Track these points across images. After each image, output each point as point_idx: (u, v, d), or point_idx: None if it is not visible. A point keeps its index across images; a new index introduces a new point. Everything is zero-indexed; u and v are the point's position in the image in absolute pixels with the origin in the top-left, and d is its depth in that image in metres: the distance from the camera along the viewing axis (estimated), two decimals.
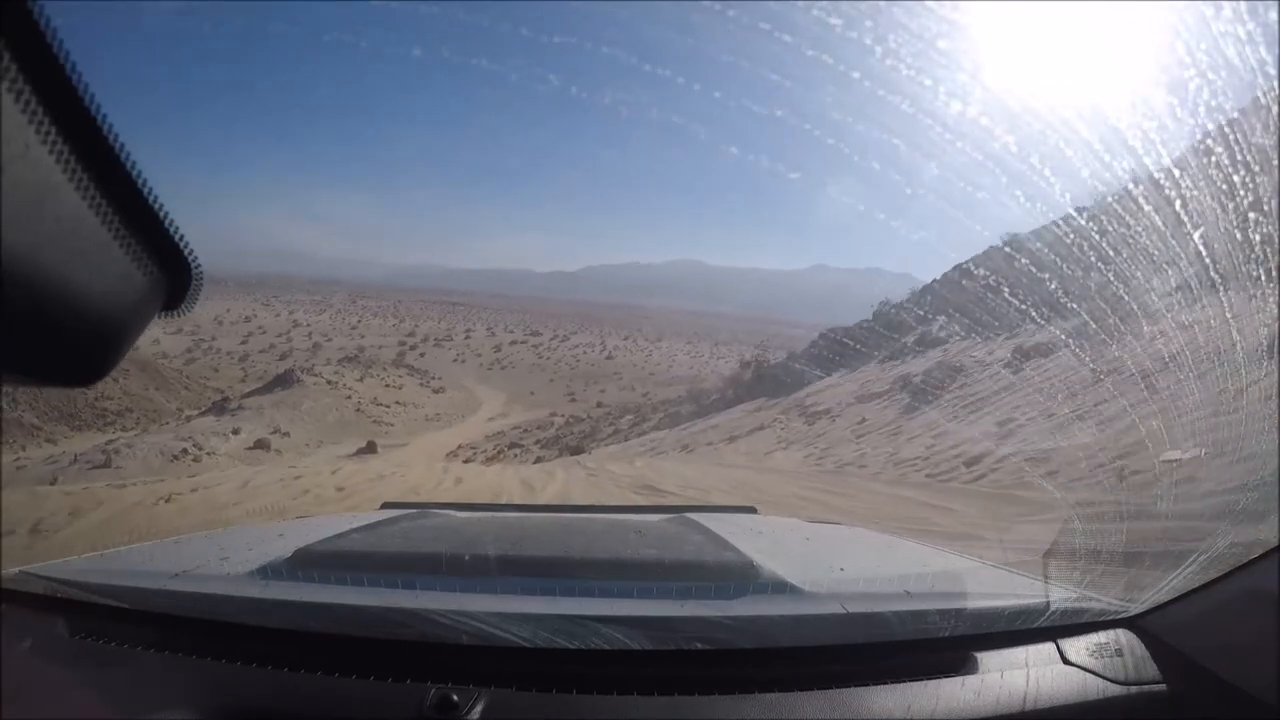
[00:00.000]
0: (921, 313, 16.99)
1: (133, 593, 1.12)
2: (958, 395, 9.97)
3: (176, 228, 0.51)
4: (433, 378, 47.47)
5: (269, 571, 1.19)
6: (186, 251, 0.52)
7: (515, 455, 22.79)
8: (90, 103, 0.43)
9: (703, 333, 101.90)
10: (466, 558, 1.22)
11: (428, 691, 0.85)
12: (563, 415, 35.78)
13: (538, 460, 20.51)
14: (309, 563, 1.21)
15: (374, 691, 0.87)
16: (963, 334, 13.84)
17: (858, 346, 18.37)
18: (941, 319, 15.76)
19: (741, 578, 1.14)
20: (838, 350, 19.45)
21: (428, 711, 0.82)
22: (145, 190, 0.48)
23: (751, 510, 2.24)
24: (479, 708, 0.83)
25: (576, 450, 20.10)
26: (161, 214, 0.49)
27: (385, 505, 2.39)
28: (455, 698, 0.83)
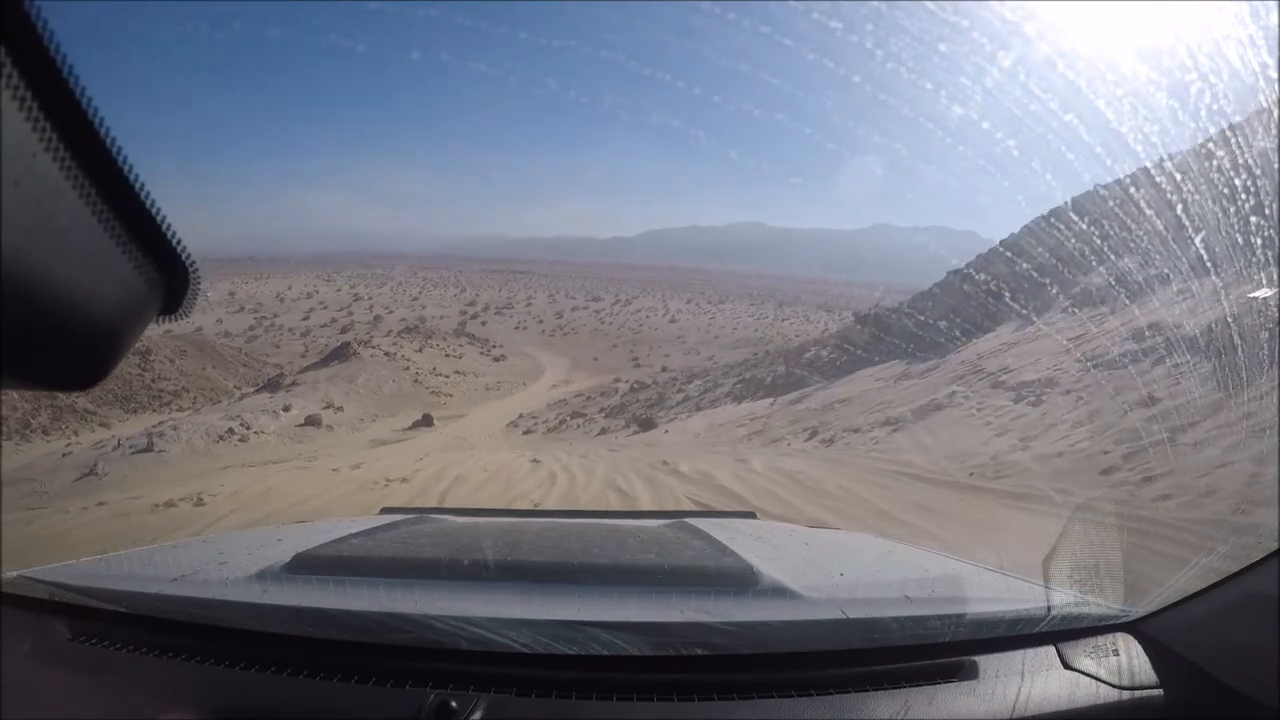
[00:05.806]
0: (1100, 243, 12.77)
1: (132, 597, 1.10)
2: None
3: (174, 232, 0.51)
4: (494, 346, 45.96)
5: (267, 576, 1.16)
6: (184, 255, 0.52)
7: (578, 426, 20.29)
8: (88, 106, 0.43)
9: (766, 294, 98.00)
10: (465, 562, 1.22)
11: (426, 697, 0.84)
12: (627, 381, 33.15)
13: (602, 432, 17.95)
14: (307, 567, 1.18)
15: (372, 697, 0.86)
16: (1197, 268, 9.66)
17: (1011, 292, 14.23)
18: (1138, 254, 11.67)
19: (741, 583, 1.11)
20: (975, 299, 15.45)
21: (426, 717, 0.81)
22: (144, 195, 0.48)
23: (751, 515, 2.30)
24: (478, 713, 0.82)
25: (646, 424, 16.91)
26: (159, 218, 0.49)
27: (384, 510, 2.31)
28: (454, 703, 0.82)
